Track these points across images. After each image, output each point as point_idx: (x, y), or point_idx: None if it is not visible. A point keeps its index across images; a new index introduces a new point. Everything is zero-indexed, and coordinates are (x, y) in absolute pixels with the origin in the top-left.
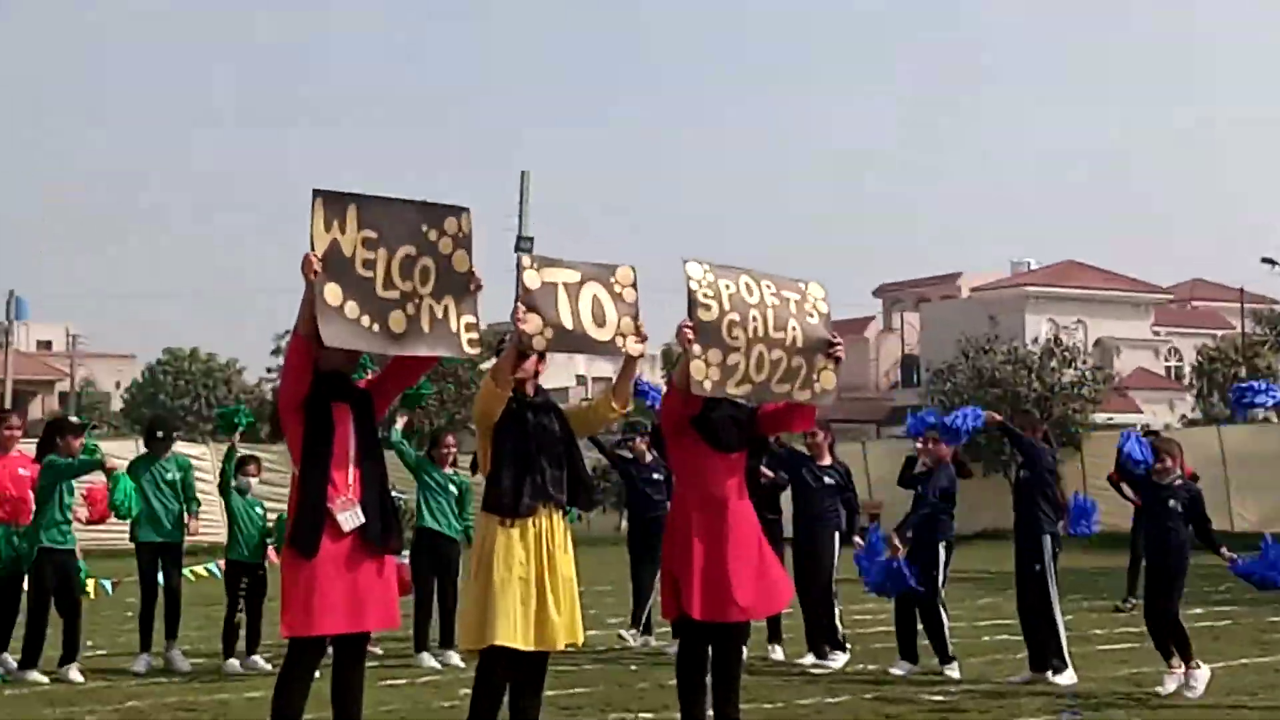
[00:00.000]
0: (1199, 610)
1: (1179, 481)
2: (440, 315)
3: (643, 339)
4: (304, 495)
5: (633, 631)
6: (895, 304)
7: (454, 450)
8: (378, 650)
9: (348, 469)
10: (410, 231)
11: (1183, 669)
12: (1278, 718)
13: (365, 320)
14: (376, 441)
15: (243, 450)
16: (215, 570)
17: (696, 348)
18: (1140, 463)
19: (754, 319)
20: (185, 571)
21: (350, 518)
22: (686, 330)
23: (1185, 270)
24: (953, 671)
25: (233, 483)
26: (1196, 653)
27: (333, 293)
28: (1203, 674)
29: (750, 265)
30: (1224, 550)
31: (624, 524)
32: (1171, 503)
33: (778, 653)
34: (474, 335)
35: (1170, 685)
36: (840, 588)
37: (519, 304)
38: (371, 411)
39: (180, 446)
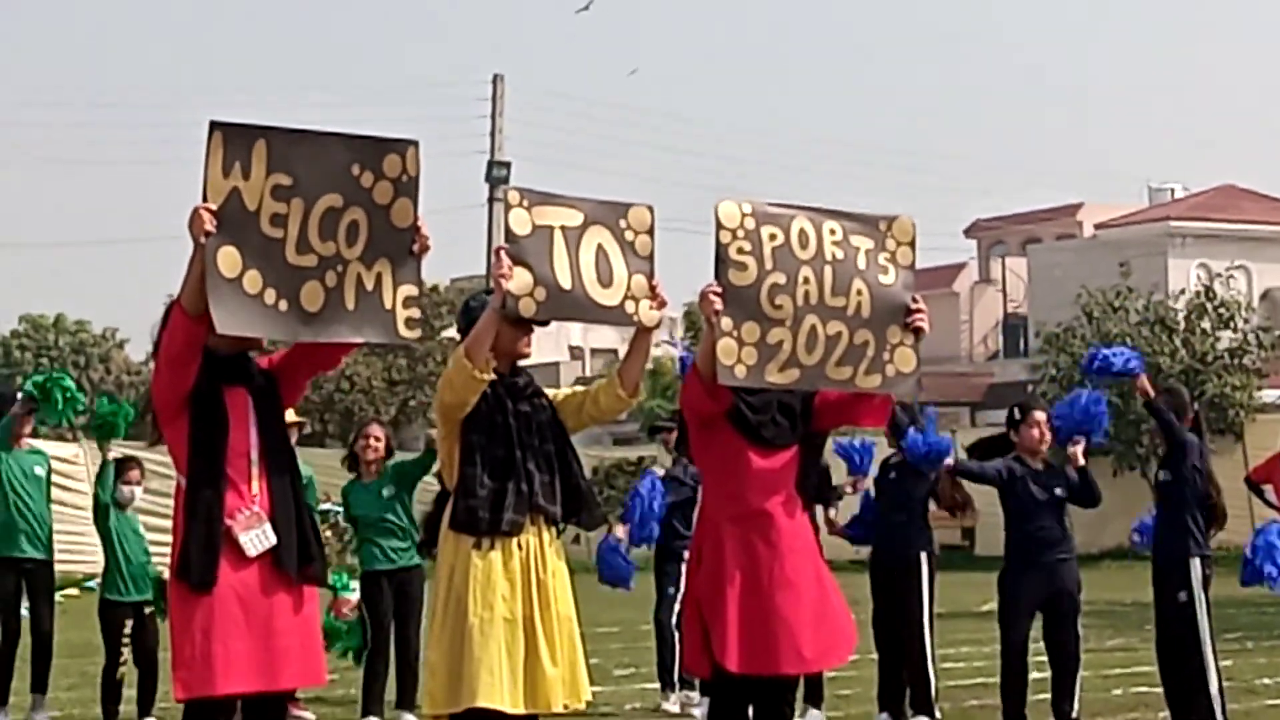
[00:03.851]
0: None
1: None
2: (370, 287)
3: (660, 304)
4: (193, 511)
5: (681, 695)
6: (994, 246)
7: (377, 446)
8: (309, 716)
9: (250, 474)
10: (335, 175)
11: None
12: None
13: (270, 296)
14: (286, 438)
15: (119, 451)
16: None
17: (726, 321)
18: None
19: (805, 281)
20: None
21: (257, 538)
22: (713, 298)
23: None
24: None
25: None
26: None
27: (229, 260)
28: None
29: (803, 199)
30: None
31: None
32: None
33: (812, 718)
34: (414, 313)
35: None
36: (937, 627)
37: (502, 254)
38: (278, 399)
39: (45, 446)
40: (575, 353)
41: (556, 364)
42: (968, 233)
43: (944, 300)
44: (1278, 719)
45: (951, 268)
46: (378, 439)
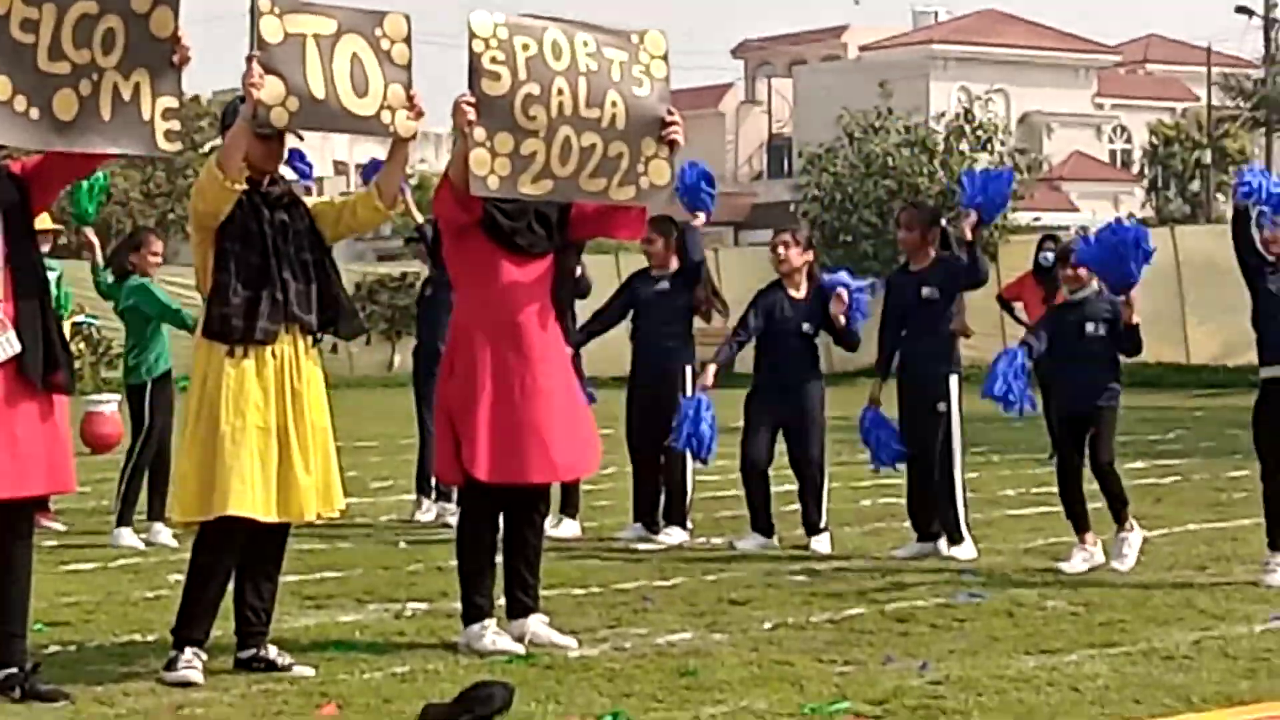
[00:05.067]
0: (1140, 464)
1: (1097, 294)
2: (127, 97)
3: (417, 114)
4: None
5: (431, 505)
6: (761, 67)
7: (160, 259)
8: (59, 525)
9: None
10: None
11: (1121, 532)
12: (1229, 596)
13: (20, 103)
14: (33, 246)
15: None
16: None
17: (479, 131)
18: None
19: (559, 92)
20: None
21: (0, 345)
22: (466, 108)
23: (1138, 24)
24: (821, 545)
25: None
26: (1132, 516)
27: None
28: (1135, 537)
29: (562, 12)
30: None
31: (397, 358)
32: (1090, 326)
33: (567, 528)
34: (173, 125)
35: (1078, 563)
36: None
37: (253, 63)
38: (26, 205)
39: None
40: (339, 167)
41: (320, 179)
42: (735, 53)
43: (710, 120)
44: (1017, 526)
45: (718, 88)
46: (157, 253)
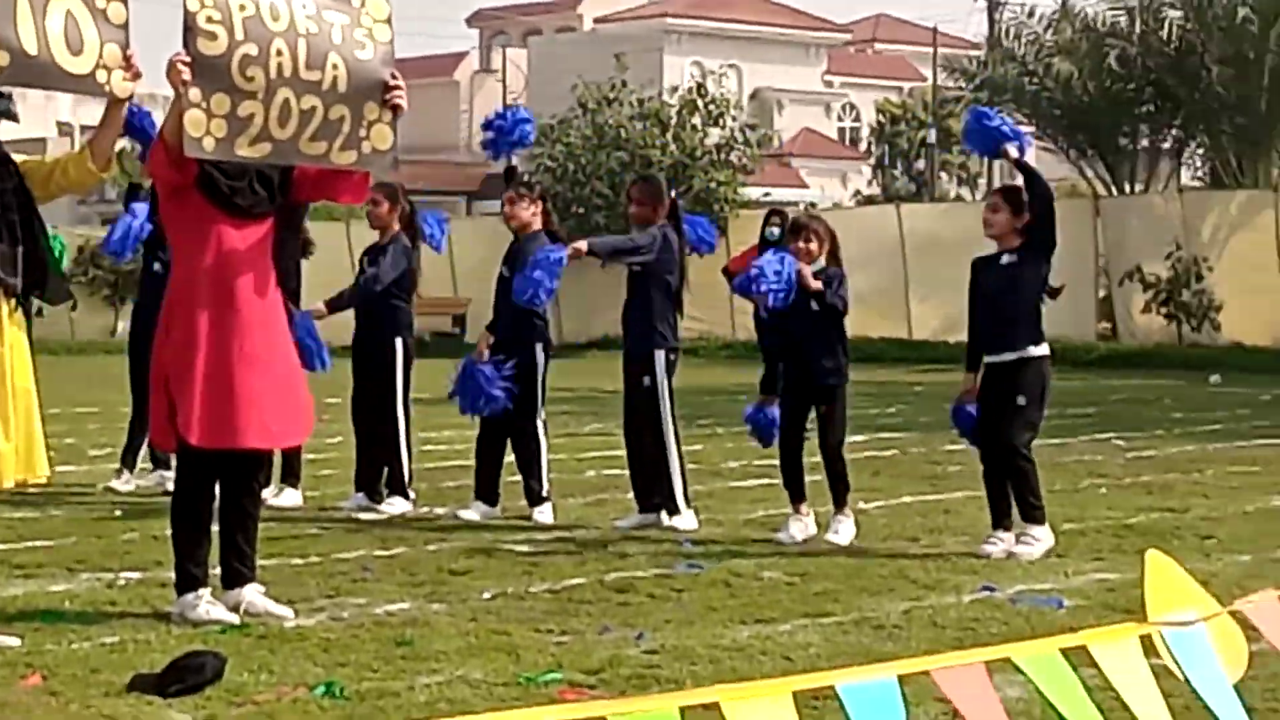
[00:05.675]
0: (860, 438)
1: (824, 270)
2: None
3: (134, 75)
4: None
5: (130, 476)
6: (496, 37)
7: None
8: None
9: None
10: None
11: (839, 514)
12: (940, 567)
13: None
14: None
15: None
16: None
17: (194, 92)
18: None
19: (278, 53)
20: None
21: None
22: (181, 67)
23: (868, 4)
24: (544, 515)
25: None
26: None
27: None
28: (850, 524)
29: None
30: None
31: (120, 324)
32: (814, 304)
33: (288, 497)
34: None
35: (795, 532)
36: (415, 410)
37: None
38: None
39: None
40: (64, 129)
41: (44, 140)
42: (470, 22)
43: (444, 89)
44: (738, 498)
45: (452, 56)
46: None
